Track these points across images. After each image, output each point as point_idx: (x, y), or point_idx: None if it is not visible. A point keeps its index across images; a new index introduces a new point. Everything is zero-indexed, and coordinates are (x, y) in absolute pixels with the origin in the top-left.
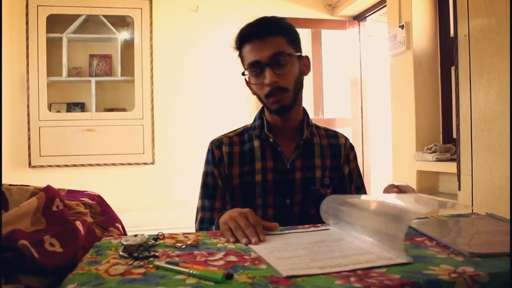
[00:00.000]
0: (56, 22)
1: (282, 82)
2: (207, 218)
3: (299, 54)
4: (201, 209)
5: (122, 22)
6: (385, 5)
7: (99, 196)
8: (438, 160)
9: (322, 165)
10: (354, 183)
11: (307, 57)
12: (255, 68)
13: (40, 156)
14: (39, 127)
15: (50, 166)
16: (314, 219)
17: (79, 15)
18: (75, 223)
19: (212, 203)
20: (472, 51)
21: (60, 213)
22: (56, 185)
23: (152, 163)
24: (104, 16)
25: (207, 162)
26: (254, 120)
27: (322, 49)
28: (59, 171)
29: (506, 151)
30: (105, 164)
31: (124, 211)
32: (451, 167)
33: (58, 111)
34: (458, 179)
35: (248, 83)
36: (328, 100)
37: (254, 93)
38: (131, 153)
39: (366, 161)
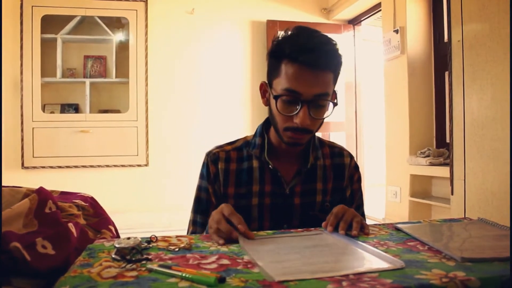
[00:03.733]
0: (50, 23)
1: (311, 125)
2: (198, 234)
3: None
4: (193, 223)
5: (117, 23)
6: (380, 10)
7: (92, 198)
8: (431, 164)
9: (323, 189)
10: (356, 203)
11: (335, 93)
12: (290, 97)
13: (33, 157)
14: (33, 128)
15: (43, 167)
16: None
17: (74, 16)
18: (68, 225)
19: (204, 219)
20: (466, 57)
21: (52, 215)
22: (49, 187)
23: (146, 165)
24: (99, 17)
25: (201, 176)
26: (255, 135)
27: None
28: (52, 172)
29: (498, 156)
30: (98, 166)
31: (117, 213)
32: (444, 171)
33: (52, 112)
34: (451, 184)
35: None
36: None
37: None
38: (125, 155)
39: (360, 165)
